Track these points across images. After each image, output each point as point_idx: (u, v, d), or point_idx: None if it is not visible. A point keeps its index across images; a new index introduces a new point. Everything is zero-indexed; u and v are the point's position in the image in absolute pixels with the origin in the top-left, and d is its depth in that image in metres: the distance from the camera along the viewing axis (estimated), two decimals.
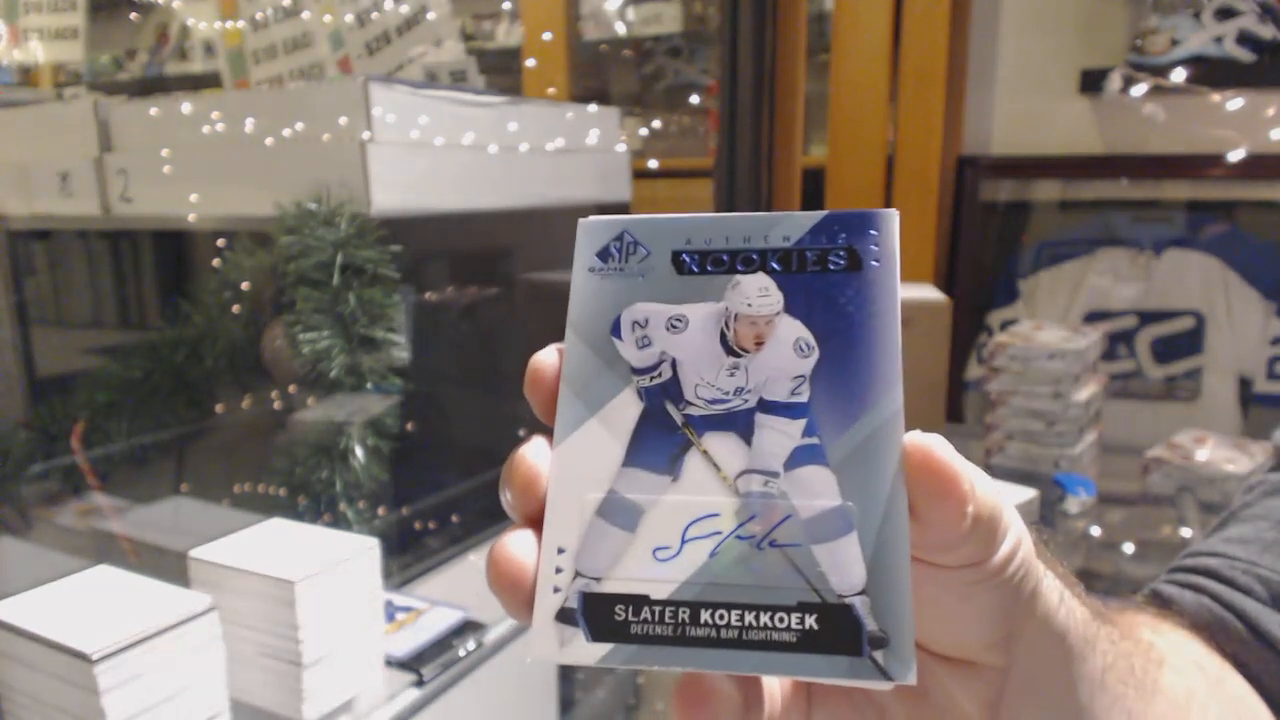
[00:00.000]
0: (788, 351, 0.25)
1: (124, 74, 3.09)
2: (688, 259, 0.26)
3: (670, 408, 0.25)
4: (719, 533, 0.24)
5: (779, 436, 0.24)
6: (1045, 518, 1.23)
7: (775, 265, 0.26)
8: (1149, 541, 1.24)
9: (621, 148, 1.53)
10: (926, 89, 1.84)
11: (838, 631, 0.23)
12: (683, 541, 0.24)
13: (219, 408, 1.20)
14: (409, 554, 1.17)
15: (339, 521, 1.00)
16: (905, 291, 0.25)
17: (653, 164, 2.24)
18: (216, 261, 1.14)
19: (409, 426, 1.09)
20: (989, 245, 1.96)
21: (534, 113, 1.34)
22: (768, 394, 0.25)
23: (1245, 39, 1.65)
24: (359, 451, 1.01)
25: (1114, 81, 1.70)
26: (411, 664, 0.89)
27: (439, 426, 1.33)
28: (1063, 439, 1.34)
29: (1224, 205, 1.80)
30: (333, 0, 1.38)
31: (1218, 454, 1.32)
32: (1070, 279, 1.86)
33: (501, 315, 1.43)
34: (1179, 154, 1.77)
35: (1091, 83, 1.78)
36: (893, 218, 0.26)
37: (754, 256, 0.26)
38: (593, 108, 1.48)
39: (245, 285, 1.12)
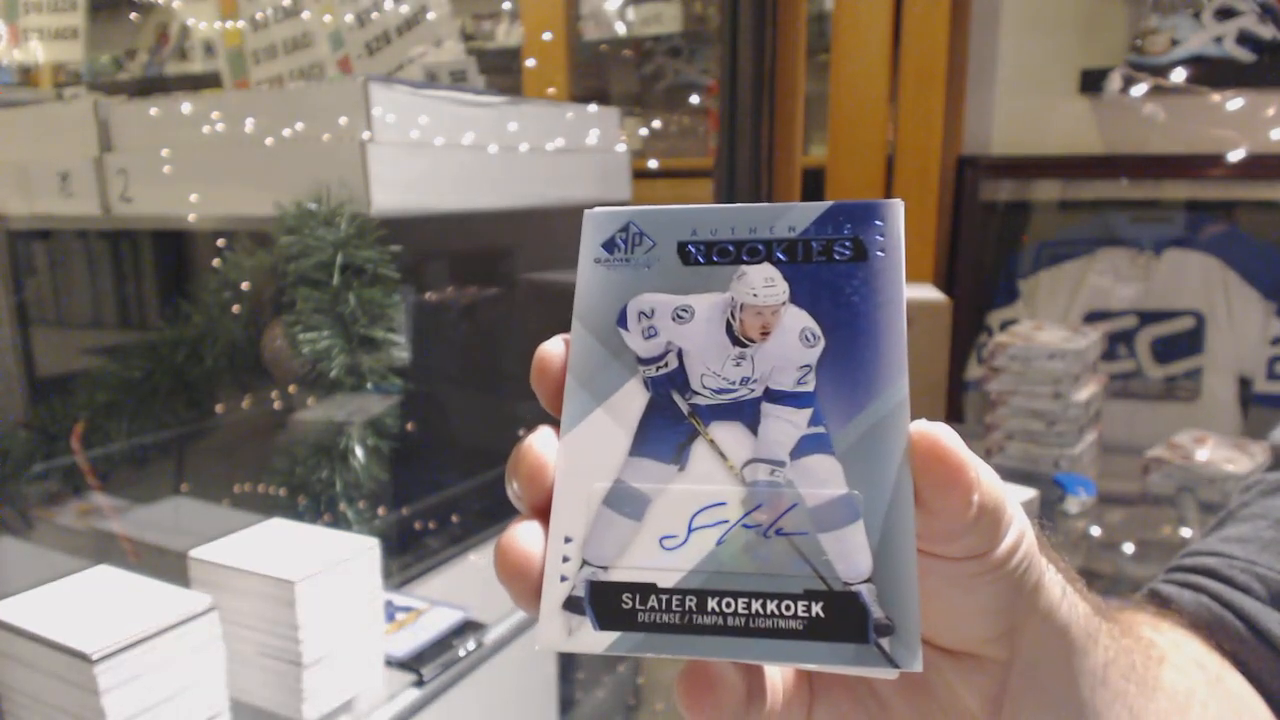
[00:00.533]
0: (793, 341, 0.25)
1: (124, 74, 3.09)
2: (693, 250, 0.26)
3: (676, 397, 0.25)
4: (725, 521, 0.24)
5: (785, 426, 0.24)
6: (1045, 518, 1.23)
7: (781, 256, 0.26)
8: (1149, 541, 1.24)
9: (621, 148, 1.53)
10: (926, 89, 1.84)
11: (844, 619, 0.23)
12: (689, 530, 0.24)
13: (219, 408, 1.20)
14: (409, 554, 1.17)
15: (339, 521, 1.00)
16: (906, 289, 0.25)
17: (653, 164, 2.25)
18: (216, 261, 1.14)
19: (409, 426, 1.09)
20: (989, 245, 1.96)
21: (534, 113, 1.34)
22: (774, 384, 0.25)
23: (1245, 39, 1.65)
24: (359, 451, 1.01)
25: (1114, 81, 1.70)
26: (411, 664, 0.89)
27: (439, 426, 1.33)
28: (1063, 439, 1.34)
29: (1224, 205, 1.80)
30: (333, 0, 1.38)
31: (1218, 454, 1.32)
32: (1070, 279, 1.86)
33: (501, 315, 1.43)
34: (1179, 154, 1.77)
35: (1091, 83, 1.78)
36: (898, 207, 0.26)
37: (760, 247, 0.26)
38: (593, 108, 1.48)
39: (245, 285, 1.12)
